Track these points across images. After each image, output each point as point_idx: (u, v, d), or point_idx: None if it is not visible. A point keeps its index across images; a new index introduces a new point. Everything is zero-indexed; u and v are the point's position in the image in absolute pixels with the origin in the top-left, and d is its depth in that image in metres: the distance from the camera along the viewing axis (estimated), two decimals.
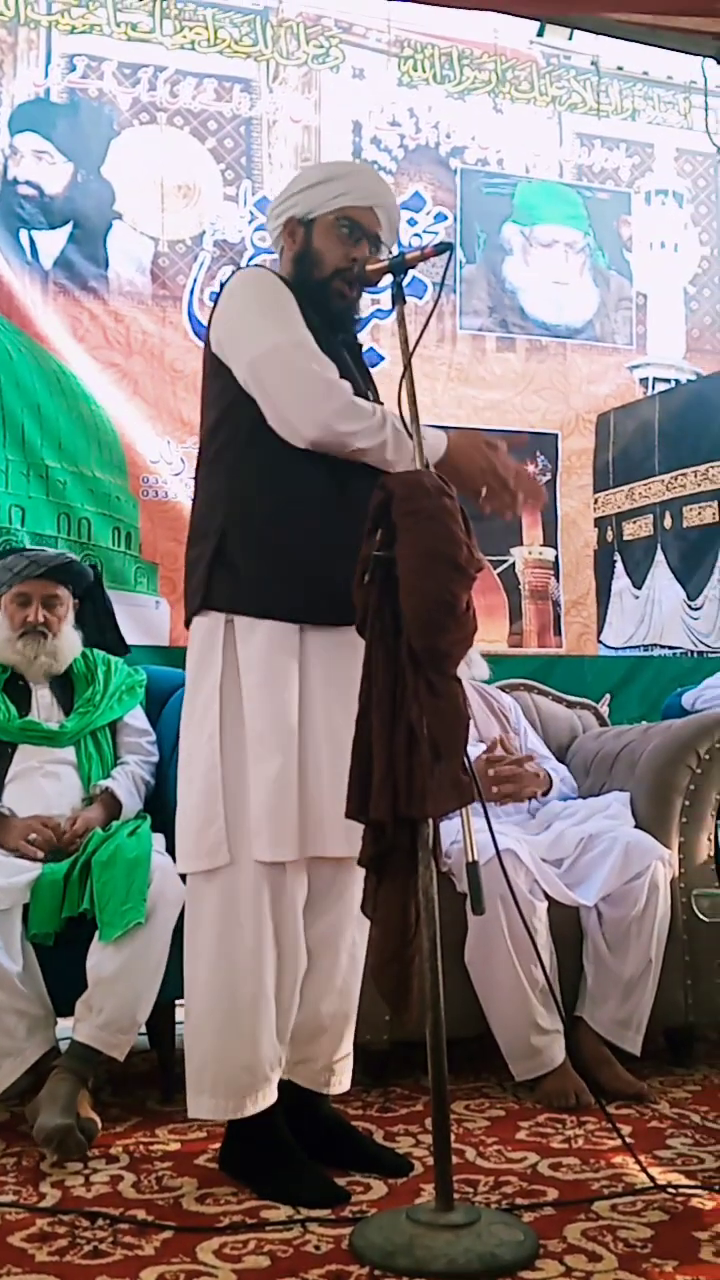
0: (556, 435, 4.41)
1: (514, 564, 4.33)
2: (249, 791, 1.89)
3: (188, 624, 2.02)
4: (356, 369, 2.12)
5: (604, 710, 4.09)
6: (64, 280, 3.95)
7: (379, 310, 4.18)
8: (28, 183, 3.95)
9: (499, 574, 4.31)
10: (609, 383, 4.49)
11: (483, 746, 2.93)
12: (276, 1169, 1.89)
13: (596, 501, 4.45)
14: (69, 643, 2.72)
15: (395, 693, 1.75)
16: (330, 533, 1.90)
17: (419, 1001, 1.73)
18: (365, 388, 2.07)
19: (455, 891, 2.45)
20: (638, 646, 4.37)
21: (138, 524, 3.94)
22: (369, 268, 2.03)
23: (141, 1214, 1.80)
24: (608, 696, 4.22)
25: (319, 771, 1.90)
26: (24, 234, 3.92)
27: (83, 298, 3.97)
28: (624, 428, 4.44)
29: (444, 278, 2.03)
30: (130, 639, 3.55)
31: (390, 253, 2.10)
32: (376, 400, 2.11)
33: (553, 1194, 1.84)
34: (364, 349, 2.24)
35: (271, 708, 1.90)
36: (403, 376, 1.92)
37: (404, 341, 1.94)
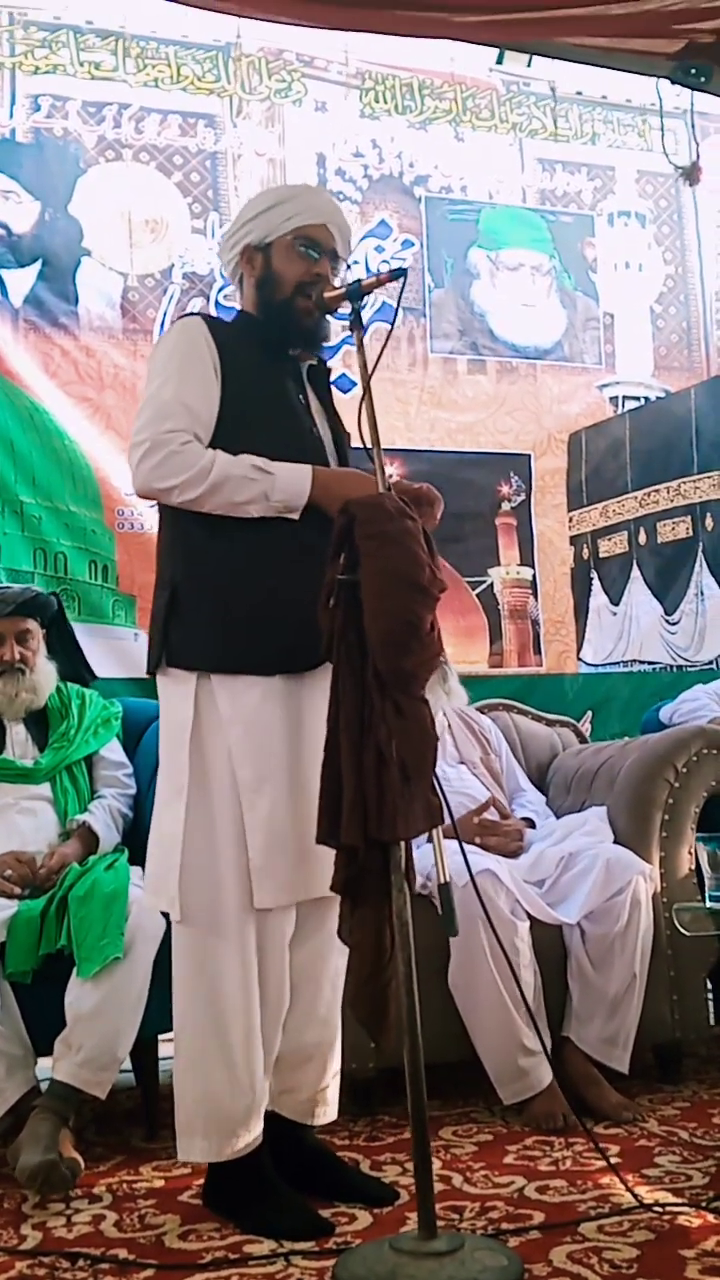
0: (529, 456, 4.43)
1: (492, 584, 4.35)
2: (218, 844, 1.88)
3: (150, 674, 2.01)
4: (318, 397, 2.12)
5: (586, 728, 4.10)
6: (34, 317, 3.96)
7: (349, 337, 4.21)
8: None
9: (477, 595, 4.32)
10: (579, 402, 4.52)
11: (463, 768, 2.93)
12: (259, 1203, 1.86)
13: (571, 520, 4.47)
14: (45, 675, 2.72)
15: (363, 715, 1.74)
16: (286, 581, 1.90)
17: (395, 1026, 1.72)
18: (314, 418, 2.07)
19: (438, 915, 2.43)
20: (617, 663, 4.38)
21: (114, 557, 3.94)
22: (327, 295, 2.04)
23: (123, 1253, 1.77)
24: (589, 714, 4.23)
25: (308, 815, 1.86)
26: None
27: (53, 334, 3.98)
28: (595, 446, 4.46)
29: (399, 302, 2.03)
30: (109, 671, 3.55)
31: (348, 268, 2.13)
32: (333, 428, 2.11)
33: (539, 1217, 1.83)
34: (332, 375, 2.25)
35: (262, 756, 1.89)
36: (362, 400, 1.94)
37: (363, 366, 1.97)
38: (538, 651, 4.36)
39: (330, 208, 2.11)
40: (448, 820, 1.75)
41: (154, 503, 2.07)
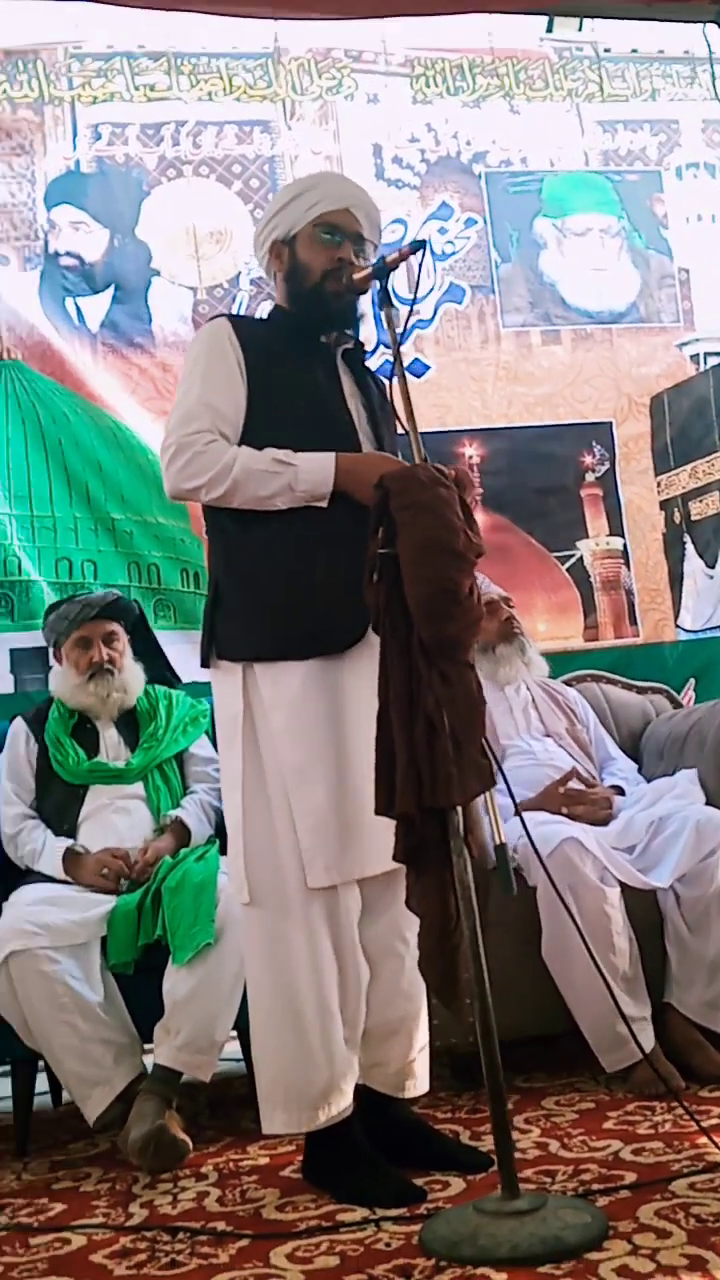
0: (611, 423, 4.35)
1: (582, 557, 4.28)
2: (276, 826, 1.92)
3: (204, 667, 2.07)
4: (356, 380, 2.13)
5: (690, 696, 4.01)
6: (112, 340, 4.09)
7: (421, 321, 4.22)
8: (68, 254, 4.12)
9: (568, 569, 4.26)
10: (659, 363, 4.41)
11: (549, 741, 2.90)
12: (352, 1173, 1.89)
13: (659, 484, 4.37)
14: (134, 676, 2.81)
15: (411, 686, 1.76)
16: (311, 566, 1.93)
17: (467, 990, 1.72)
18: (347, 401, 2.07)
19: (527, 887, 2.43)
20: (717, 627, 4.26)
21: (204, 563, 4.03)
22: (355, 276, 2.06)
23: (221, 1225, 1.82)
24: (692, 681, 4.12)
25: (360, 793, 1.89)
26: (70, 302, 4.09)
27: (131, 354, 4.10)
28: (679, 406, 4.35)
29: (419, 276, 2.02)
30: (206, 675, 3.63)
31: (377, 249, 2.15)
32: (370, 409, 2.11)
33: (631, 1178, 1.80)
34: (367, 355, 2.25)
35: (307, 739, 1.92)
36: (391, 377, 1.97)
37: (394, 342, 1.97)
38: (634, 622, 4.28)
39: (351, 190, 2.13)
40: (500, 781, 1.75)
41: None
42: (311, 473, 1.93)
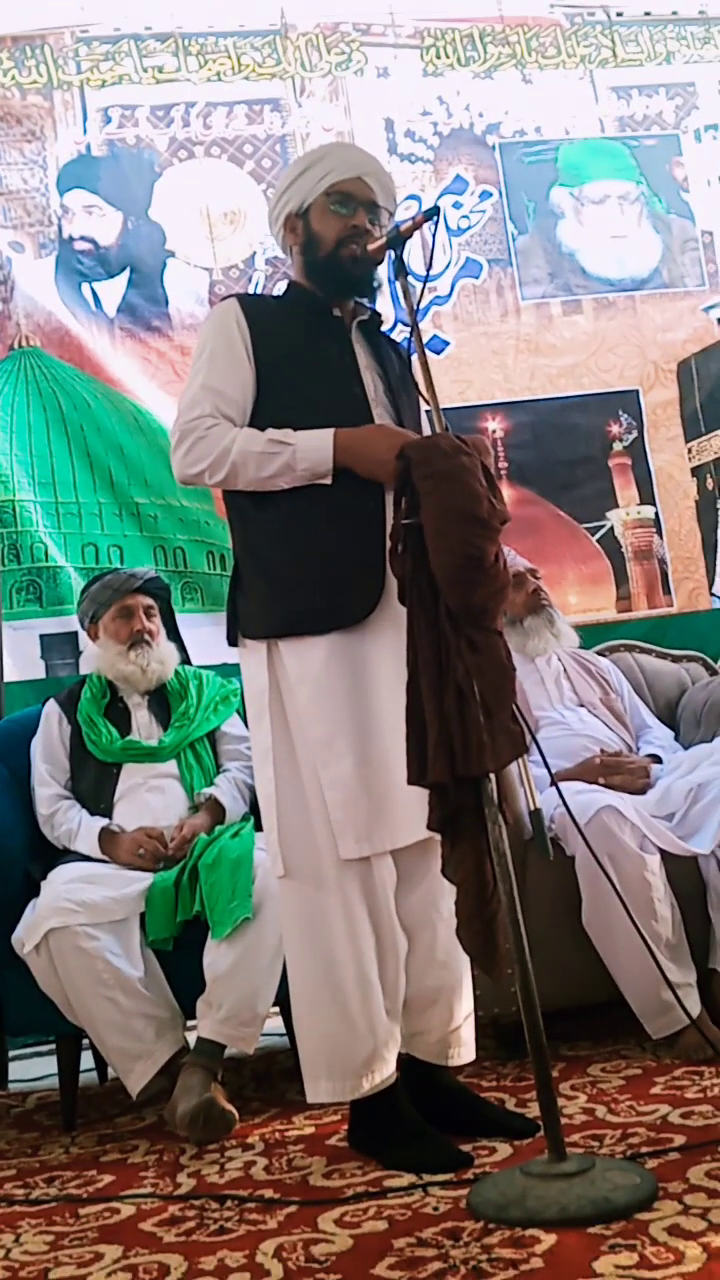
0: (637, 391, 4.30)
1: (612, 528, 4.24)
2: (308, 800, 1.93)
3: (232, 645, 2.08)
4: (373, 352, 2.12)
5: None
6: (129, 324, 4.08)
7: (438, 297, 4.19)
8: (82, 238, 4.10)
9: (598, 540, 4.23)
10: (684, 328, 4.35)
11: (583, 711, 2.89)
12: (398, 1139, 1.90)
13: (690, 451, 4.32)
14: (169, 650, 2.84)
15: (440, 656, 1.75)
16: (319, 540, 1.93)
17: (506, 957, 1.72)
18: (362, 375, 2.05)
19: (565, 856, 2.43)
20: None
21: (229, 545, 4.02)
22: (370, 246, 2.04)
23: (269, 1193, 1.84)
24: None
25: (388, 764, 1.89)
26: (86, 287, 4.08)
27: (148, 338, 4.09)
28: (707, 371, 4.29)
29: (434, 245, 1.99)
30: (233, 656, 3.65)
31: (393, 216, 2.13)
32: (389, 380, 2.09)
33: (680, 1140, 1.80)
34: (385, 326, 2.23)
35: (332, 712, 1.92)
36: (409, 350, 1.95)
37: (411, 313, 1.95)
38: (667, 591, 4.23)
39: (362, 159, 2.11)
40: (532, 747, 1.74)
41: None
42: (310, 450, 1.92)
